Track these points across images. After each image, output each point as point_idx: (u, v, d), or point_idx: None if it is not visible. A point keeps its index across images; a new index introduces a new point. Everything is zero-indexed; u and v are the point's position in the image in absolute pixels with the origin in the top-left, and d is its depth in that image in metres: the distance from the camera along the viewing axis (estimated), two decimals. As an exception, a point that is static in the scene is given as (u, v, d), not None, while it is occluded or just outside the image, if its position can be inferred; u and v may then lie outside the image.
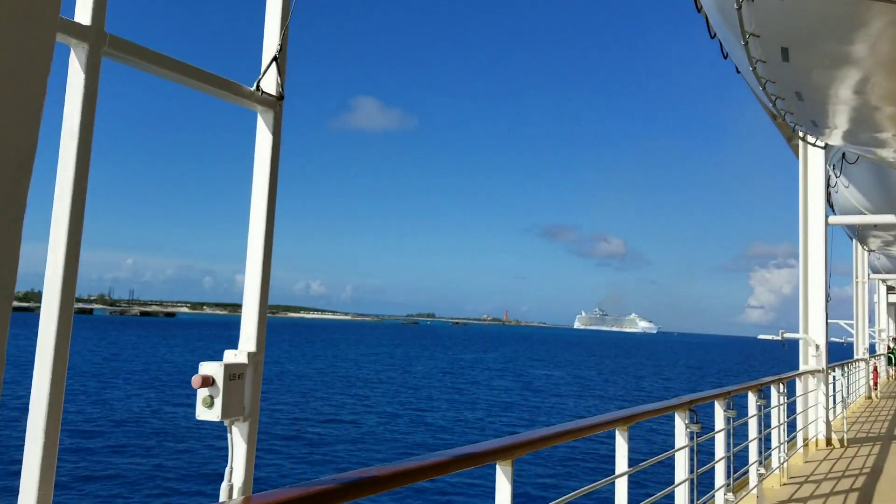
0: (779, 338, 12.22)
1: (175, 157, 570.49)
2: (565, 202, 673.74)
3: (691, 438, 5.40)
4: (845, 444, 12.18)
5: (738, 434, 7.15)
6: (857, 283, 25.10)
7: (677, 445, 5.36)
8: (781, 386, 9.08)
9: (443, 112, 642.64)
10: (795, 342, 12.52)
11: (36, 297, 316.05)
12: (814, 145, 9.75)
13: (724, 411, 6.49)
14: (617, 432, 4.38)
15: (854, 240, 22.67)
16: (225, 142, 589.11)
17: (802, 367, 12.17)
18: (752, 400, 7.73)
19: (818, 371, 12.07)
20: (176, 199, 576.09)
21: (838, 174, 15.36)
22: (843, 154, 14.97)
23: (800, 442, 10.97)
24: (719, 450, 6.53)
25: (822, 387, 12.07)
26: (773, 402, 8.85)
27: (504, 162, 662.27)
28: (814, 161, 13.27)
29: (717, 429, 6.44)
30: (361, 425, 32.59)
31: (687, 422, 5.36)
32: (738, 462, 7.18)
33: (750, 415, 7.69)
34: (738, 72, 10.95)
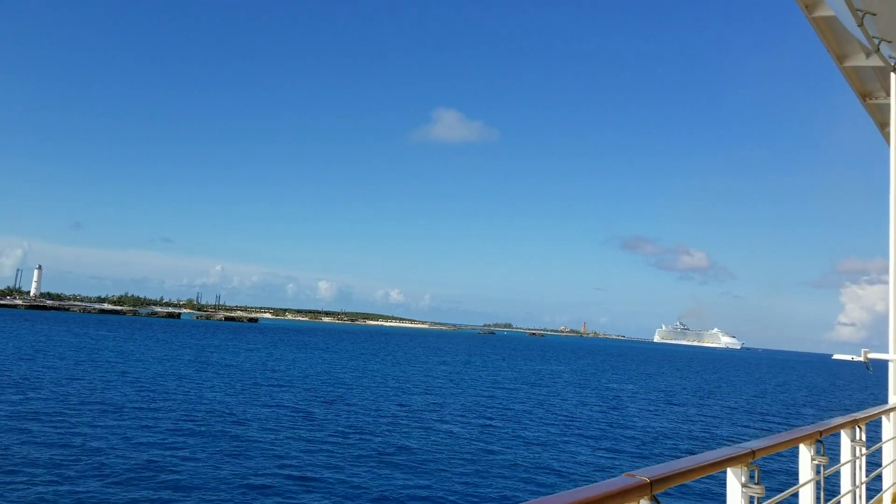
0: (861, 358, 9.23)
1: (264, 167, 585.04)
2: (646, 213, 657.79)
3: None
4: None
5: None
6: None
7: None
8: (858, 431, 6.26)
9: (524, 124, 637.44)
10: (884, 365, 9.52)
11: (129, 301, 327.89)
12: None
13: (746, 488, 3.85)
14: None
15: None
16: (310, 153, 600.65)
17: (893, 400, 9.16)
18: (804, 457, 5.04)
19: (915, 404, 9.05)
20: (262, 207, 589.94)
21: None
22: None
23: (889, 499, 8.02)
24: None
25: (921, 426, 9.06)
26: (845, 455, 6.08)
27: (584, 172, 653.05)
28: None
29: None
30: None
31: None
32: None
33: (802, 481, 4.99)
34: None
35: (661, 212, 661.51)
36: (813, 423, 5.41)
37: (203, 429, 30.74)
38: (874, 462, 8.16)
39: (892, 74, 10.84)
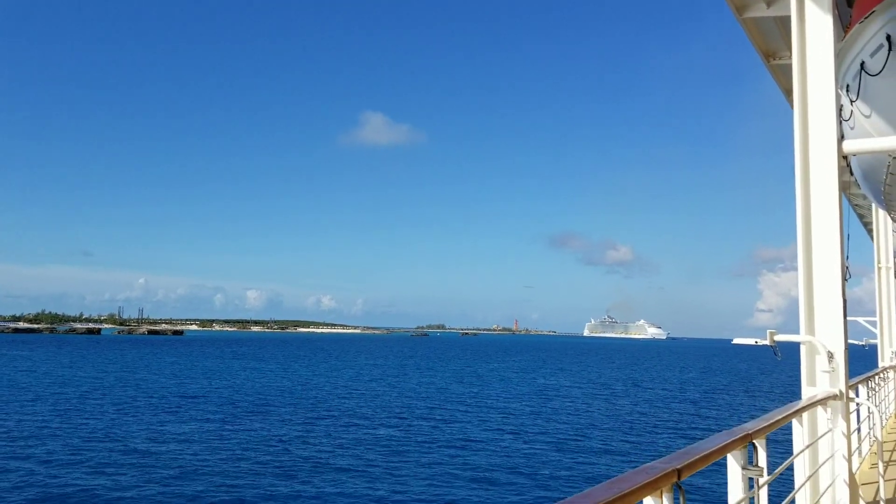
0: (766, 342, 7.28)
1: (188, 174, 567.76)
2: (573, 210, 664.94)
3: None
4: None
5: None
6: (879, 268, 20.08)
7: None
8: (754, 450, 4.22)
9: (451, 127, 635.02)
10: (794, 348, 7.59)
11: (46, 318, 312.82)
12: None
13: None
14: None
15: (877, 206, 17.12)
16: (235, 158, 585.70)
17: (807, 394, 7.20)
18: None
19: (833, 396, 7.11)
20: (186, 216, 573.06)
21: (854, 98, 10.43)
22: (862, 64, 10.10)
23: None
24: None
25: (841, 422, 7.13)
26: (734, 492, 4.02)
27: (511, 172, 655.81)
28: (815, 22, 8.35)
29: None
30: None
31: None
32: None
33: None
34: None
35: (586, 207, 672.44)
36: (679, 449, 3.25)
37: (120, 451, 28.26)
38: (781, 489, 6.14)
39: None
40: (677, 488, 2.90)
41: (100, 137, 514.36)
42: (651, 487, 2.70)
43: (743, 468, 3.97)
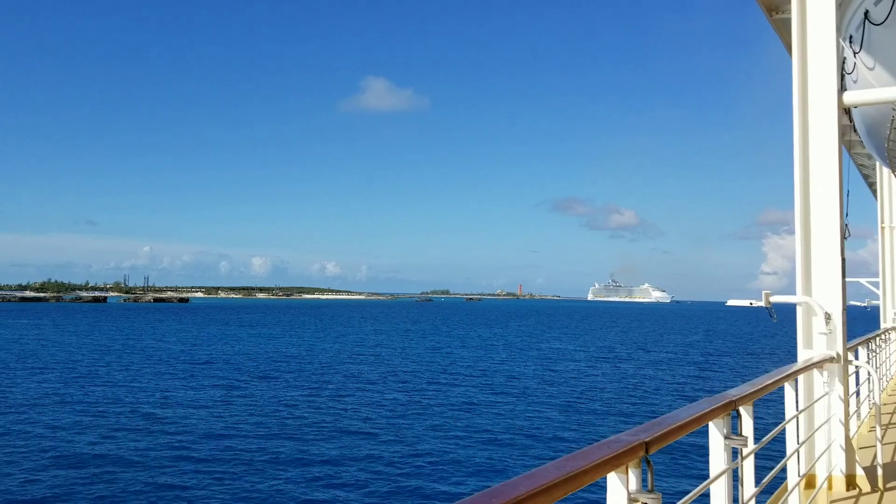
0: (762, 303, 6.99)
1: (191, 142, 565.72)
2: (576, 175, 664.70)
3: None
4: (880, 485, 7.03)
5: None
6: (882, 228, 19.69)
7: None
8: (739, 417, 3.95)
9: (454, 92, 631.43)
10: (790, 309, 7.30)
11: (52, 287, 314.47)
12: None
13: None
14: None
15: (881, 164, 16.66)
16: (239, 127, 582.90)
17: (803, 356, 6.94)
18: (615, 494, 2.65)
19: (830, 360, 6.85)
20: (191, 185, 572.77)
21: (857, 49, 10.00)
22: (866, 13, 9.66)
23: (796, 494, 5.74)
24: None
25: (839, 386, 6.87)
26: (717, 462, 3.75)
27: (515, 137, 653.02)
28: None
29: None
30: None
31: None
32: None
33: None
34: None
35: (590, 172, 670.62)
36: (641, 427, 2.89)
37: (140, 419, 28.68)
38: (769, 460, 5.89)
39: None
40: (645, 463, 2.63)
41: (103, 107, 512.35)
42: (612, 464, 2.43)
43: (726, 438, 3.70)
